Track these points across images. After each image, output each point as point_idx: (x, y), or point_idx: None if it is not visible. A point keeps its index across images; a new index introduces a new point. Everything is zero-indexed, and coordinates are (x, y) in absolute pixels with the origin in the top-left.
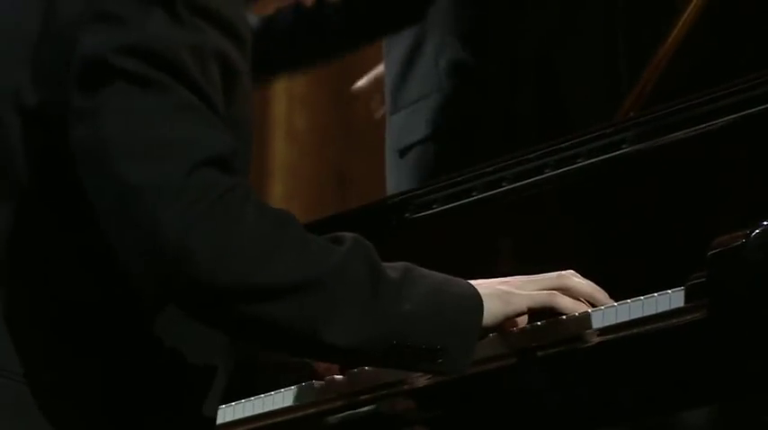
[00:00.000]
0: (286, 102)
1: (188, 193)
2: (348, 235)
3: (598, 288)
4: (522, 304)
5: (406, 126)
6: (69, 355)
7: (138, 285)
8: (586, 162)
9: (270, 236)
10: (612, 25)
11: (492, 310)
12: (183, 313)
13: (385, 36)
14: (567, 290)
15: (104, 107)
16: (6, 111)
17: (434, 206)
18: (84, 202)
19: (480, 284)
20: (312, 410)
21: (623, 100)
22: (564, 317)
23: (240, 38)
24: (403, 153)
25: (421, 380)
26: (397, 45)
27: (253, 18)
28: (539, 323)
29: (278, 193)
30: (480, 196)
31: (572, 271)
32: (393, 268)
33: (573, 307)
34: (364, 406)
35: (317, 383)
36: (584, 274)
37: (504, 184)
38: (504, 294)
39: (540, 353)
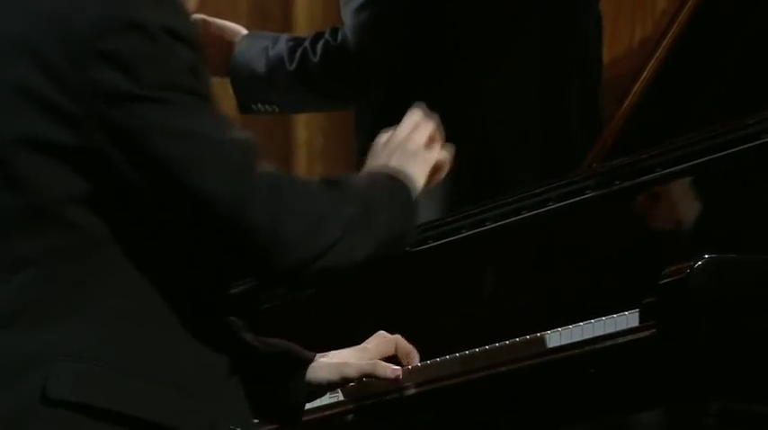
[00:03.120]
0: (307, 155)
1: (260, 192)
2: (338, 180)
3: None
4: (431, 161)
5: None
6: (157, 347)
7: (239, 277)
8: (556, 205)
9: (321, 210)
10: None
11: (418, 185)
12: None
13: (359, 98)
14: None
15: (150, 134)
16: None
17: (429, 242)
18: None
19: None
20: (327, 413)
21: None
22: (539, 334)
23: (200, 48)
24: None
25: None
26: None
27: (260, 62)
28: (527, 337)
29: None
30: (467, 233)
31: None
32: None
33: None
34: (370, 409)
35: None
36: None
37: (487, 224)
38: (418, 165)
39: (525, 364)
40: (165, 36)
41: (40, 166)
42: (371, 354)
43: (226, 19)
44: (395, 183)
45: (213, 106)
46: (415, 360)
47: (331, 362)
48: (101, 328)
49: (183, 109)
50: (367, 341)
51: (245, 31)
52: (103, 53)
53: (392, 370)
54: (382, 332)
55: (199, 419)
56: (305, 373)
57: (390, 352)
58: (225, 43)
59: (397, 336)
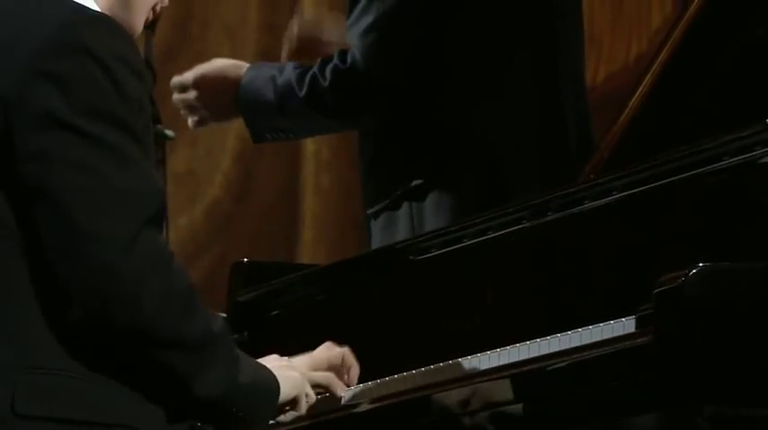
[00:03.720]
0: (315, 164)
1: (139, 249)
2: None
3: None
4: (302, 390)
5: (373, 196)
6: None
7: (78, 321)
8: (556, 215)
9: (187, 295)
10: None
11: (285, 392)
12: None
13: (372, 118)
14: (338, 371)
15: (56, 159)
16: None
17: (432, 250)
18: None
19: (275, 367)
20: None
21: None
22: (539, 340)
23: (147, 83)
24: (376, 215)
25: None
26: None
27: (269, 90)
28: (527, 342)
29: (308, 239)
30: (470, 242)
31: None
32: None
33: (340, 392)
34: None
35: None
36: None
37: (489, 233)
38: (291, 379)
39: (527, 368)
40: (114, 63)
41: None
42: (318, 362)
43: (237, 33)
44: (269, 374)
45: (144, 147)
46: (354, 376)
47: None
48: (57, 340)
49: (100, 144)
50: (315, 351)
51: (246, 65)
52: (43, 73)
53: (343, 387)
54: (329, 343)
55: (156, 419)
56: None
57: (337, 362)
58: (230, 82)
59: (345, 349)
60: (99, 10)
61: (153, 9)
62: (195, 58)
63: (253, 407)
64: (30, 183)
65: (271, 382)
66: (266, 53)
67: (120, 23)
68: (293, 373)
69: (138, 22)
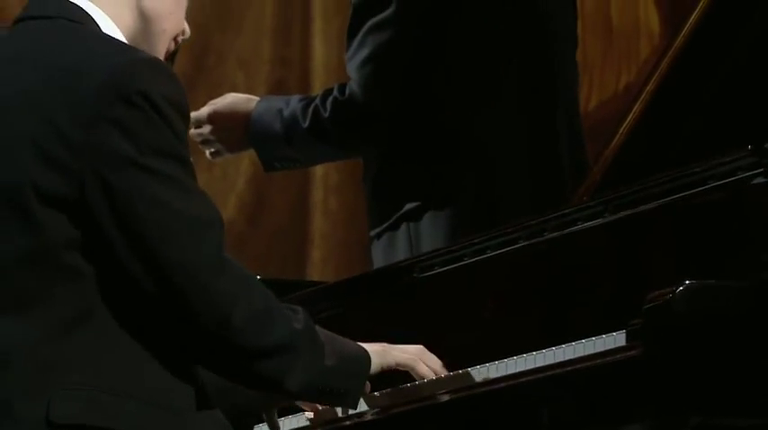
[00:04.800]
0: (323, 188)
1: (228, 271)
2: (297, 308)
3: (440, 364)
4: (392, 361)
5: (377, 217)
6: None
7: (186, 338)
8: (551, 235)
9: (270, 307)
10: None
11: (375, 362)
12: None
13: (371, 146)
14: (424, 360)
15: (135, 198)
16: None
17: (435, 268)
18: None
19: (365, 345)
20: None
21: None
22: (534, 353)
23: (189, 116)
24: (378, 236)
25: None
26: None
27: (276, 122)
28: (536, 352)
29: (316, 258)
30: (470, 261)
31: (423, 347)
32: (317, 331)
33: (426, 374)
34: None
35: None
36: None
37: (488, 252)
38: (381, 352)
39: (524, 379)
40: (166, 105)
41: (46, 212)
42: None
43: (251, 65)
44: (356, 348)
45: (194, 177)
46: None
47: None
48: (94, 360)
49: (170, 180)
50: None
51: (256, 98)
52: (109, 119)
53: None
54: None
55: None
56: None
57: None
58: (241, 116)
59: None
60: (127, 42)
61: (174, 40)
62: (211, 89)
63: (344, 382)
64: (108, 223)
65: (359, 355)
66: (278, 84)
67: (164, 63)
68: (380, 348)
69: (160, 52)
